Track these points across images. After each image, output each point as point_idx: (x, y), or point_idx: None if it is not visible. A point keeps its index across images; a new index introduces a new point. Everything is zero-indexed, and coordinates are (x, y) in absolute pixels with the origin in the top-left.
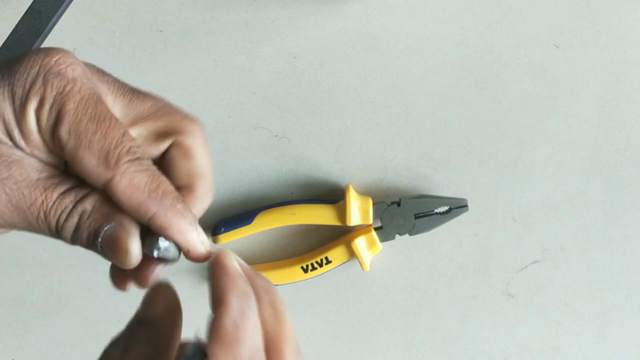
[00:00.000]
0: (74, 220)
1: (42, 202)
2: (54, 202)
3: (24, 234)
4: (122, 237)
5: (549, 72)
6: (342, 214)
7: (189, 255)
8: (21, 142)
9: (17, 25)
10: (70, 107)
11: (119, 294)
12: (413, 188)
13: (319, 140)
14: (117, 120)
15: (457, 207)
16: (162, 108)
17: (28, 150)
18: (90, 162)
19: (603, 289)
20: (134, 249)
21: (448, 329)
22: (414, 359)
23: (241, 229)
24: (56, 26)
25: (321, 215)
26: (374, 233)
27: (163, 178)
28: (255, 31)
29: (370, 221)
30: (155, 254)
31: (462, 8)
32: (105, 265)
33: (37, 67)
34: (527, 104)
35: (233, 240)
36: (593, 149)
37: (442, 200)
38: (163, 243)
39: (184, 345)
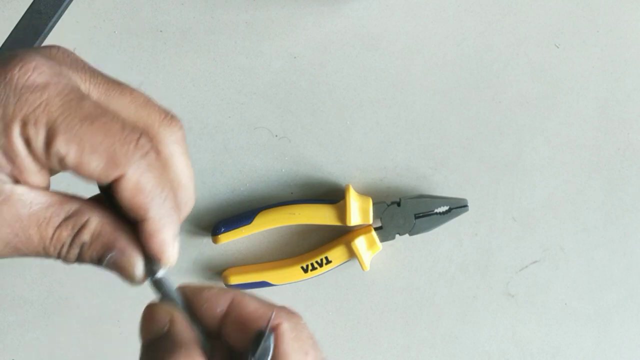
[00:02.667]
0: (74, 252)
1: (39, 240)
2: (50, 239)
3: None
4: (125, 266)
5: (549, 72)
6: (342, 214)
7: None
8: (9, 171)
9: (17, 25)
10: (56, 116)
11: (119, 294)
12: (413, 188)
13: (319, 140)
14: (109, 111)
15: (457, 207)
16: (141, 105)
17: (19, 177)
18: (97, 166)
19: (603, 289)
20: (139, 275)
21: (448, 329)
22: (414, 359)
23: (241, 229)
24: (56, 26)
25: (321, 215)
26: (374, 233)
27: (166, 177)
28: (255, 31)
29: (370, 221)
30: (149, 280)
31: (462, 8)
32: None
33: (1, 86)
34: (527, 104)
35: (233, 240)
36: (593, 149)
37: (442, 200)
38: (161, 272)
39: (258, 334)
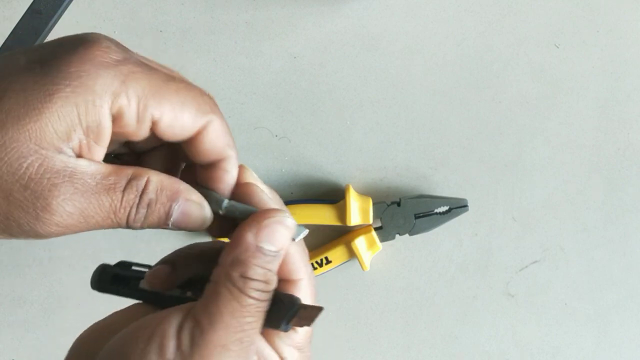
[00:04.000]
0: (142, 212)
1: (110, 204)
2: (120, 201)
3: None
4: (195, 211)
5: (549, 72)
6: (342, 214)
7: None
8: (81, 140)
9: (17, 25)
10: (144, 84)
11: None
12: (413, 188)
13: (319, 140)
14: (175, 74)
15: (457, 207)
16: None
17: (81, 152)
18: (189, 118)
19: (603, 289)
20: (208, 215)
21: (448, 329)
22: (414, 359)
23: None
24: (56, 26)
25: (321, 215)
26: (374, 233)
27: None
28: (255, 31)
29: (370, 221)
30: (223, 210)
31: (462, 8)
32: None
33: (89, 63)
34: (527, 104)
35: None
36: (593, 149)
37: (442, 200)
38: (229, 202)
39: (281, 296)
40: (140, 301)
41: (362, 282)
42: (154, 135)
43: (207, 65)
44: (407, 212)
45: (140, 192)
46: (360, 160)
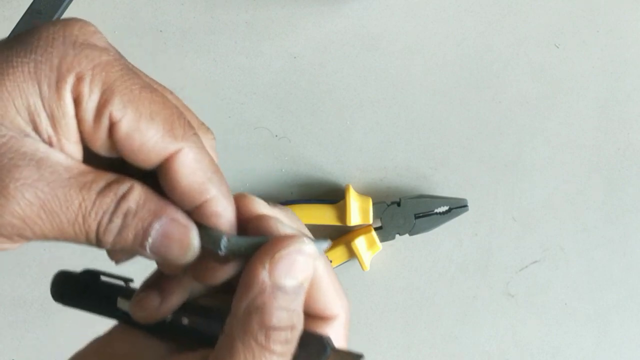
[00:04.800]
0: (117, 221)
1: (80, 204)
2: (93, 203)
3: None
4: (180, 233)
5: (549, 72)
6: (342, 214)
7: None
8: (48, 132)
9: (17, 25)
10: (116, 77)
11: None
12: (413, 188)
13: (319, 140)
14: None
15: (457, 207)
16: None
17: (54, 141)
18: (154, 135)
19: (603, 289)
20: (194, 243)
21: (448, 329)
22: (414, 359)
23: None
24: None
25: (321, 215)
26: (374, 233)
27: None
28: (255, 31)
29: (370, 221)
30: (223, 250)
31: (462, 8)
32: (105, 264)
33: (61, 39)
34: (527, 104)
35: None
36: (593, 149)
37: (442, 200)
38: (230, 237)
39: (308, 337)
40: (117, 321)
41: (362, 282)
42: (112, 146)
43: (207, 65)
44: (407, 212)
45: (118, 198)
46: (360, 160)
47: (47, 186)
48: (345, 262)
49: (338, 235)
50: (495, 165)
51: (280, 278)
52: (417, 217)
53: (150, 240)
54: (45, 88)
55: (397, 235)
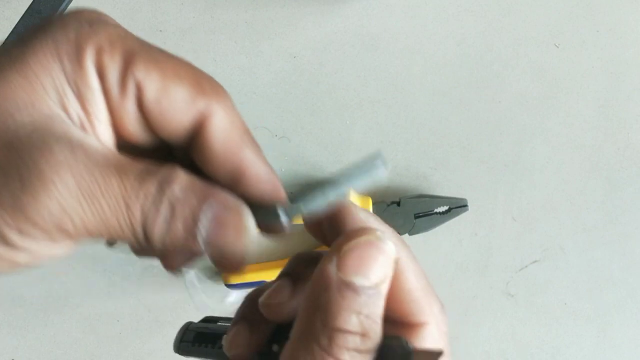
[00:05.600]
0: (165, 213)
1: (119, 186)
2: (134, 189)
3: None
4: (232, 214)
5: (549, 72)
6: None
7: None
8: (78, 112)
9: (17, 25)
10: (134, 45)
11: (119, 294)
12: (413, 188)
13: (319, 140)
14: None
15: (457, 207)
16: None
17: (86, 123)
18: (184, 95)
19: (603, 289)
20: (250, 224)
21: (448, 329)
22: None
23: None
24: None
25: None
26: None
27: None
28: (255, 31)
29: None
30: (285, 222)
31: (462, 8)
32: (104, 264)
33: (75, 19)
34: (527, 104)
35: None
36: (593, 149)
37: (442, 200)
38: (283, 212)
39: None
40: None
41: None
42: (144, 122)
43: (207, 65)
44: (407, 212)
45: (161, 184)
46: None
47: (85, 169)
48: None
49: None
50: (495, 165)
51: (350, 275)
52: (417, 217)
53: (201, 228)
54: (67, 63)
55: None
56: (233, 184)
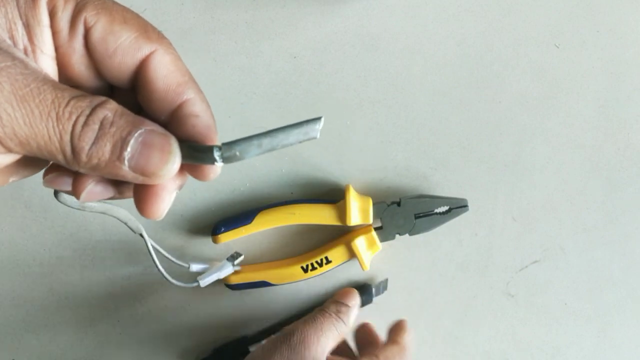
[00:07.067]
0: (94, 127)
1: (53, 100)
2: (67, 103)
3: (24, 232)
4: (160, 140)
5: (549, 72)
6: (342, 214)
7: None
8: (24, 41)
9: None
10: None
11: (119, 293)
12: (413, 188)
13: (319, 140)
14: None
15: (457, 207)
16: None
17: (29, 51)
18: (128, 37)
19: (603, 289)
20: (177, 152)
21: (448, 329)
22: (414, 359)
23: (241, 228)
24: None
25: (321, 215)
26: (374, 233)
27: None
28: (255, 31)
29: (370, 221)
30: (219, 161)
31: (462, 8)
32: (104, 264)
33: None
34: (527, 104)
35: (233, 240)
36: (593, 149)
37: (442, 200)
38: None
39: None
40: None
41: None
42: (88, 61)
43: (207, 65)
44: (407, 212)
45: (94, 105)
46: (360, 160)
47: (22, 78)
48: (345, 262)
49: (338, 235)
50: (495, 165)
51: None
52: (417, 217)
53: (129, 150)
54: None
55: (397, 235)
56: (171, 125)
